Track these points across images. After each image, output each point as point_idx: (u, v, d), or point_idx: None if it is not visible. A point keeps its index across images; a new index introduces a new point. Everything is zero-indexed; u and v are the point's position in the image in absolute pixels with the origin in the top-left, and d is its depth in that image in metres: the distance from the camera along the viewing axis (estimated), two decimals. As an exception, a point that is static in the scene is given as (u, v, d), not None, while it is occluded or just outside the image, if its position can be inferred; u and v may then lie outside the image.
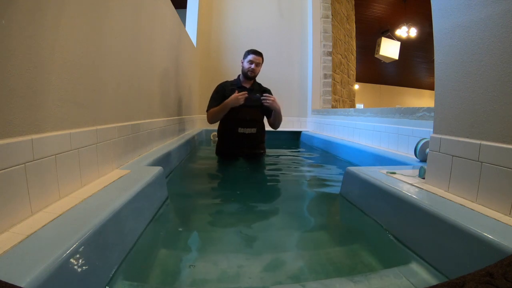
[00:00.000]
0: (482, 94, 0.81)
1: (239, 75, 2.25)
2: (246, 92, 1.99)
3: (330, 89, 3.93)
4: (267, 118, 2.27)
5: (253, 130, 2.14)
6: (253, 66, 2.12)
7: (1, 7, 0.59)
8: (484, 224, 0.66)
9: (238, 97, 1.96)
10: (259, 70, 2.19)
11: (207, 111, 2.14)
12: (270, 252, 0.84)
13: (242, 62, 2.19)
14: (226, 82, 2.25)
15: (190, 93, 3.21)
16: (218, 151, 2.31)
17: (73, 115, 0.89)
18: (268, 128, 2.28)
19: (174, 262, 0.77)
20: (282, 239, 0.95)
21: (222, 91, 2.16)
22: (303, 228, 1.06)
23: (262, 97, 2.00)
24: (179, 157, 2.02)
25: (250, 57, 2.13)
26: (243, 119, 2.09)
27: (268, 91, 2.26)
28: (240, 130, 2.10)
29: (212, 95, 2.19)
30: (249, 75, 2.14)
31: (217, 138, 2.36)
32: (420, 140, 1.49)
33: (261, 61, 2.17)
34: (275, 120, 2.18)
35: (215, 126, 2.32)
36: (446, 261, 0.69)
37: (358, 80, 9.04)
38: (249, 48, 2.19)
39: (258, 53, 2.15)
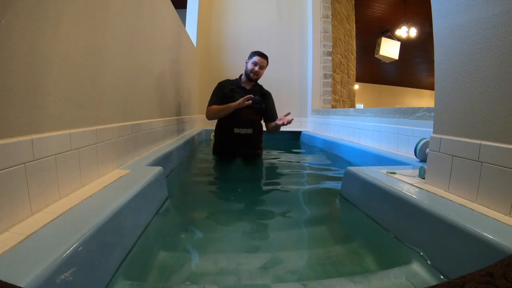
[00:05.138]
0: (482, 94, 0.81)
1: (241, 75, 2.24)
2: (251, 96, 1.97)
3: (330, 89, 3.93)
4: (265, 121, 2.27)
5: (249, 131, 2.13)
6: (257, 68, 2.09)
7: (1, 7, 0.59)
8: (484, 224, 0.66)
9: (244, 101, 1.95)
10: (262, 73, 2.17)
11: (208, 106, 2.14)
12: (269, 252, 0.84)
13: (246, 62, 2.17)
14: (227, 80, 2.24)
15: (190, 93, 3.21)
16: (215, 151, 2.31)
17: (73, 115, 0.89)
18: (266, 128, 2.28)
19: (174, 261, 0.77)
20: (281, 238, 0.95)
21: (222, 89, 2.16)
22: (303, 228, 1.06)
23: (281, 120, 1.97)
24: (179, 157, 2.02)
25: (255, 58, 2.10)
26: (239, 119, 2.09)
27: (268, 94, 2.26)
28: (236, 130, 2.09)
29: (213, 91, 2.19)
30: (251, 77, 2.13)
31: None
32: (420, 140, 1.49)
33: (265, 64, 2.14)
34: (274, 131, 2.22)
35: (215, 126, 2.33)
36: (446, 261, 0.69)
37: (358, 80, 9.03)
38: (255, 50, 2.17)
39: (264, 56, 2.12)
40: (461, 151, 0.87)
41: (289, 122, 1.96)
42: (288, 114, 2.00)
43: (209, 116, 2.13)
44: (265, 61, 2.13)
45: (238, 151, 2.17)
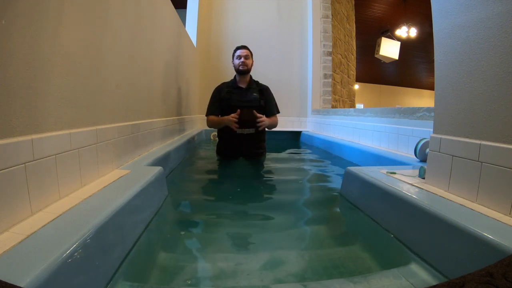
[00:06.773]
0: (482, 94, 0.81)
1: (235, 75, 2.26)
2: (238, 111, 2.02)
3: (330, 89, 3.93)
4: (266, 116, 2.28)
5: (252, 130, 2.14)
6: (242, 59, 2.14)
7: (1, 7, 0.59)
8: (484, 224, 0.66)
9: (233, 120, 2.01)
10: (251, 63, 2.21)
11: (206, 115, 2.21)
12: (269, 252, 0.84)
13: (232, 63, 2.23)
14: (223, 84, 2.27)
15: (190, 93, 3.21)
16: (218, 151, 2.33)
17: (73, 115, 0.89)
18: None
19: (174, 261, 0.77)
20: (281, 238, 0.95)
21: (218, 95, 2.20)
22: (303, 228, 1.06)
23: (257, 123, 2.05)
24: (179, 157, 2.03)
25: (237, 53, 2.18)
26: (241, 119, 2.09)
27: (265, 88, 2.27)
28: (239, 130, 2.10)
29: (210, 99, 2.24)
30: (241, 70, 2.15)
31: (217, 138, 2.37)
32: (420, 140, 1.49)
33: (249, 53, 2.19)
34: (269, 128, 2.27)
35: (215, 126, 2.34)
36: (446, 261, 0.69)
37: (358, 80, 9.03)
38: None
39: (243, 47, 2.19)
40: (461, 151, 0.87)
41: (257, 121, 2.05)
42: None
43: (209, 125, 2.23)
44: (247, 51, 2.19)
45: (241, 151, 2.19)
